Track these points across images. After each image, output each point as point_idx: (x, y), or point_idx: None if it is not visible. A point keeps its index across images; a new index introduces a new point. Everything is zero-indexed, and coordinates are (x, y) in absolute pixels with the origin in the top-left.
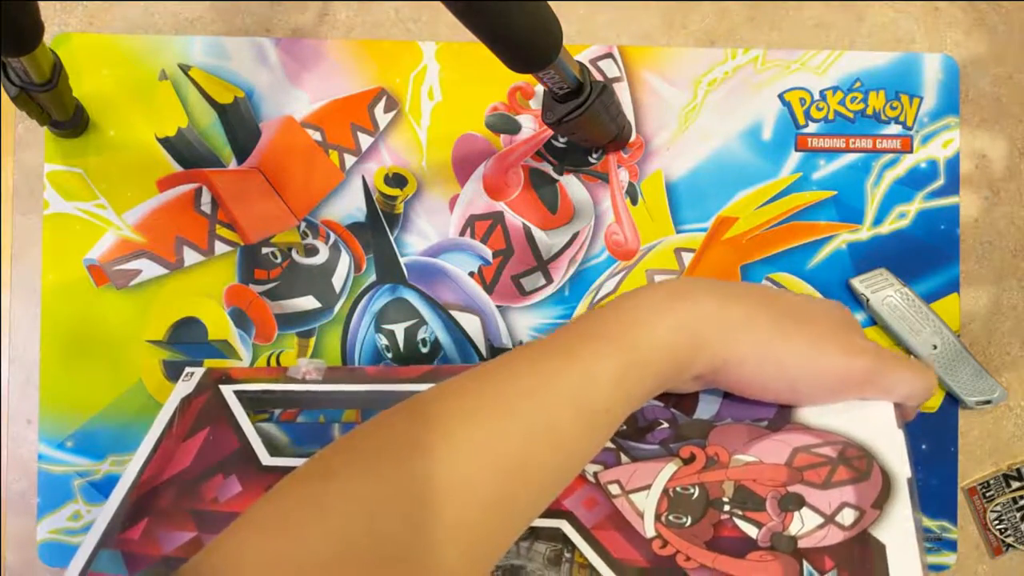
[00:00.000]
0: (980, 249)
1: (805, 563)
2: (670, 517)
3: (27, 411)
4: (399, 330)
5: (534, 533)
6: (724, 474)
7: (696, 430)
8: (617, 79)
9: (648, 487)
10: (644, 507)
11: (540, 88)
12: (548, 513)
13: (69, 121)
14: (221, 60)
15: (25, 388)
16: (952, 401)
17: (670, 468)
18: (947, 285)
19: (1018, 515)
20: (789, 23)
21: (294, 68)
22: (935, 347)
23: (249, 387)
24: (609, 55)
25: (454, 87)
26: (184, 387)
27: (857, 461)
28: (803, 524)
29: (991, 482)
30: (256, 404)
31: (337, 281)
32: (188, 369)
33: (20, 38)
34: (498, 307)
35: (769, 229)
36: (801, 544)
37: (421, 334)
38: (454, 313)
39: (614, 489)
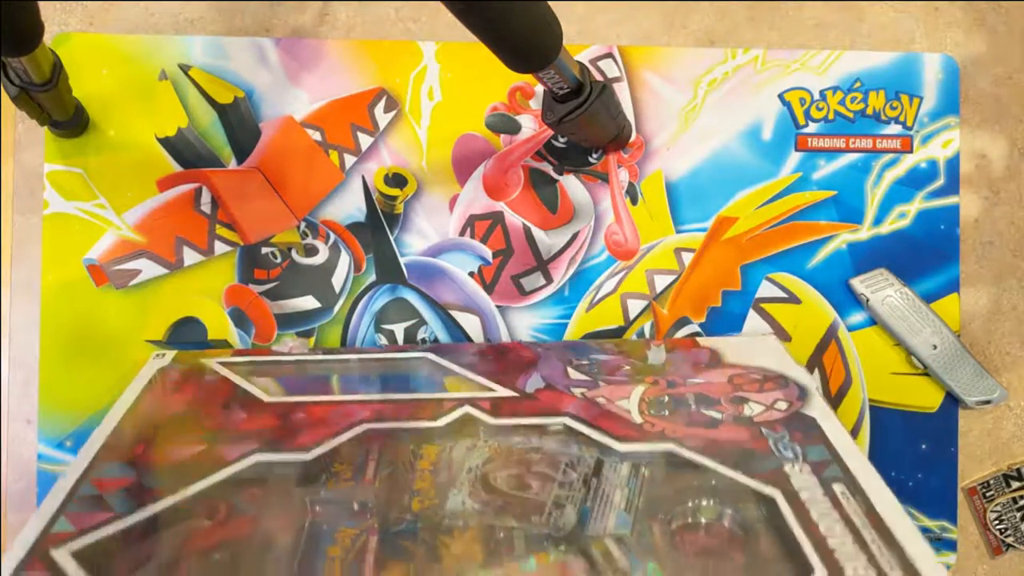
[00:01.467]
0: (980, 249)
1: (763, 428)
2: (651, 412)
3: (27, 411)
4: (399, 330)
5: (539, 429)
6: (684, 390)
7: (652, 370)
8: (617, 79)
9: (627, 397)
10: (628, 407)
11: (540, 88)
12: (549, 414)
13: (69, 121)
14: (221, 60)
15: (25, 388)
16: (952, 401)
17: (640, 388)
18: (947, 285)
19: (1018, 515)
20: (789, 23)
21: (294, 68)
22: (935, 347)
23: (234, 359)
24: (609, 55)
25: (454, 87)
26: (158, 362)
27: (775, 379)
28: (752, 409)
29: (991, 482)
30: (243, 371)
31: (337, 281)
32: (158, 352)
33: (20, 38)
34: (498, 307)
35: (769, 229)
36: (756, 420)
37: (421, 334)
38: (454, 313)
39: (600, 400)
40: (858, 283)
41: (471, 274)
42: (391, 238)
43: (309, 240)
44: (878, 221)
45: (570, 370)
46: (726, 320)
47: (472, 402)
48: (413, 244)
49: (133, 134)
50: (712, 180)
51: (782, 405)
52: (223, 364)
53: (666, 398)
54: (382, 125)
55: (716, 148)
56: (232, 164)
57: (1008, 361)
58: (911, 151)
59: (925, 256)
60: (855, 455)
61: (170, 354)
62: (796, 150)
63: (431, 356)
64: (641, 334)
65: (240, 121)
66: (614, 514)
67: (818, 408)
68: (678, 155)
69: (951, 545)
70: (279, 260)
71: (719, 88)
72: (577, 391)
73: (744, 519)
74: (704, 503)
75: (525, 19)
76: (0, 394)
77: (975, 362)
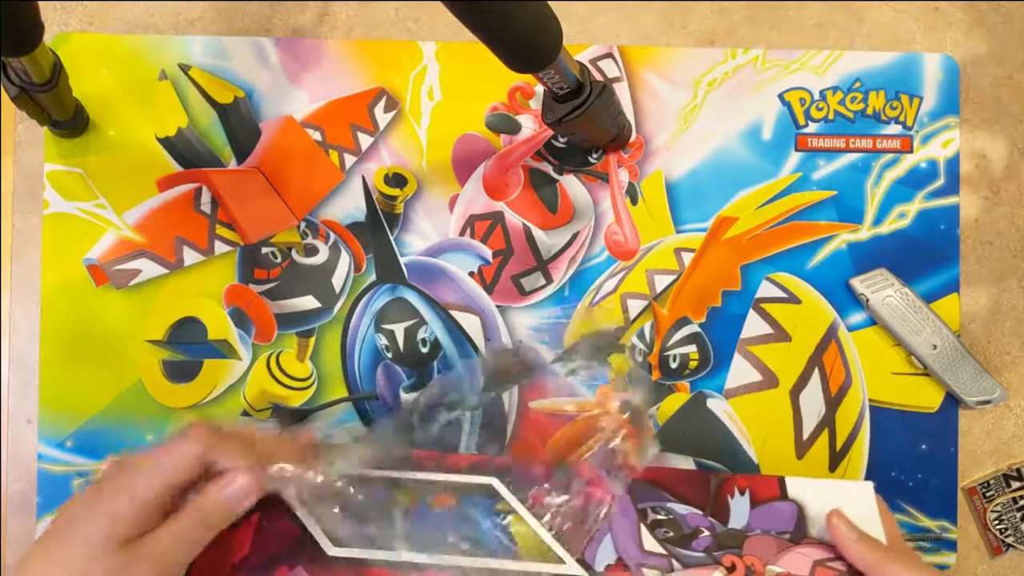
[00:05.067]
0: (980, 249)
1: None
2: None
3: (27, 411)
4: (399, 330)
5: None
6: None
7: (733, 539)
8: (617, 79)
9: None
10: None
11: (540, 88)
12: None
13: (69, 121)
14: (221, 60)
15: (25, 388)
16: (952, 401)
17: (717, 575)
18: (947, 285)
19: (1018, 515)
20: (789, 23)
21: (294, 68)
22: (935, 347)
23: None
24: (609, 55)
25: (454, 87)
26: None
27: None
28: None
29: (991, 482)
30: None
31: (337, 281)
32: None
33: (20, 38)
34: (498, 307)
35: (769, 229)
36: None
37: (421, 334)
38: (454, 313)
39: None
40: (858, 283)
41: (471, 274)
42: (391, 238)
43: (309, 240)
44: (878, 221)
45: (644, 532)
46: (726, 320)
47: None
48: (413, 244)
49: (133, 134)
50: (712, 180)
51: None
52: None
53: None
54: (382, 125)
55: (716, 148)
56: (232, 164)
57: (1008, 361)
58: (911, 151)
59: (925, 256)
60: None
61: None
62: (796, 150)
63: (495, 484)
64: (641, 334)
65: (240, 121)
66: None
67: None
68: (678, 155)
69: (951, 545)
70: (279, 260)
71: (719, 88)
72: (650, 573)
73: None
74: None
75: (525, 19)
76: (0, 394)
77: (975, 362)
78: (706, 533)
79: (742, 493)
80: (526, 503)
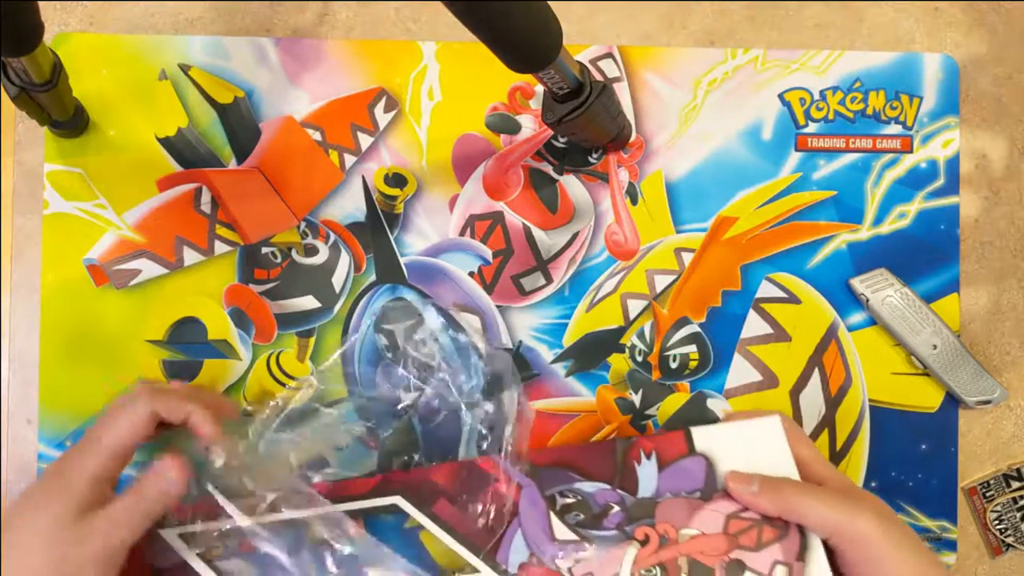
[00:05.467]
0: (980, 249)
1: None
2: None
3: (27, 411)
4: (399, 330)
5: None
6: (676, 550)
7: (643, 509)
8: (617, 79)
9: (617, 574)
10: None
11: (540, 88)
12: None
13: (69, 121)
14: (221, 60)
15: (25, 388)
16: (952, 401)
17: (631, 552)
18: (947, 285)
19: (1018, 515)
20: (789, 23)
21: (294, 68)
22: (935, 347)
23: (192, 529)
24: (609, 55)
25: (454, 87)
26: None
27: (774, 526)
28: None
29: (991, 482)
30: (205, 544)
31: (337, 281)
32: None
33: (20, 38)
34: (498, 307)
35: (769, 229)
36: None
37: (420, 334)
38: (454, 313)
39: None
40: (858, 283)
41: (471, 274)
42: (391, 238)
43: (309, 240)
44: (878, 221)
45: (554, 520)
46: (726, 320)
47: None
48: (413, 244)
49: (133, 134)
50: (712, 180)
51: (781, 573)
52: (183, 538)
53: (657, 571)
54: (382, 125)
55: (716, 148)
56: (232, 164)
57: (1008, 361)
58: (911, 151)
59: (925, 256)
60: None
61: None
62: (796, 150)
63: (400, 503)
64: (641, 334)
65: (240, 121)
66: None
67: (818, 570)
68: (678, 155)
69: (951, 545)
70: (279, 260)
71: (719, 88)
72: (564, 564)
73: None
74: None
75: (525, 19)
76: (0, 394)
77: (975, 362)
78: (616, 509)
79: (648, 457)
80: (432, 517)
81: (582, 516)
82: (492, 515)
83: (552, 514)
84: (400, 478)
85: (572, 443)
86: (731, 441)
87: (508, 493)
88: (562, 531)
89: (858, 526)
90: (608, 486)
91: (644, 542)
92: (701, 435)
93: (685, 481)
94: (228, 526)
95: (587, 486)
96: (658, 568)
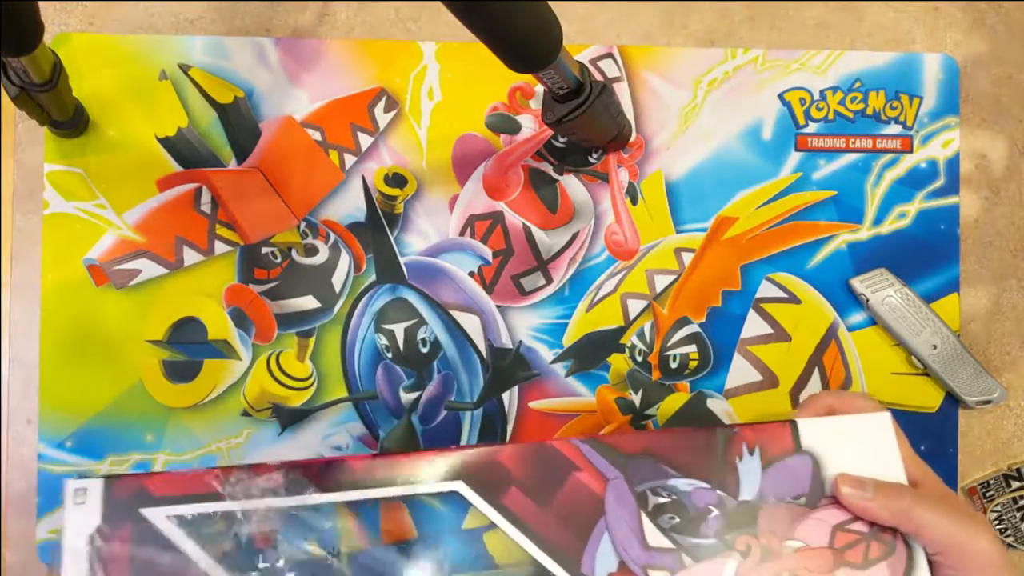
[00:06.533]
0: (980, 249)
1: None
2: None
3: (27, 411)
4: (399, 330)
5: None
6: (780, 565)
7: (745, 515)
8: (617, 79)
9: None
10: None
11: (540, 88)
12: None
13: (69, 121)
14: (221, 60)
15: (25, 388)
16: (952, 401)
17: (731, 566)
18: (947, 285)
19: (1018, 515)
20: (789, 23)
21: (294, 68)
22: (935, 347)
23: (184, 509)
24: (609, 55)
25: (454, 87)
26: (82, 515)
27: (883, 533)
28: None
29: (991, 482)
30: (205, 529)
31: (337, 281)
32: (72, 483)
33: (20, 38)
34: (498, 307)
35: (769, 229)
36: None
37: (421, 334)
38: (454, 313)
39: None
40: (858, 283)
41: (471, 274)
42: (391, 238)
43: (309, 240)
44: (878, 221)
45: (646, 523)
46: (726, 320)
47: None
48: (413, 244)
49: (133, 134)
50: (712, 180)
51: None
52: (176, 522)
53: None
54: (382, 125)
55: (716, 148)
56: (232, 164)
57: (1008, 361)
58: (911, 151)
59: (925, 256)
60: None
61: (92, 489)
62: (796, 150)
63: (462, 490)
64: (641, 334)
65: (240, 121)
66: None
67: None
68: (678, 155)
69: None
70: (279, 260)
71: (719, 88)
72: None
73: None
74: None
75: (525, 19)
76: (0, 394)
77: (975, 362)
78: (716, 512)
79: (752, 452)
80: (503, 510)
81: (677, 519)
82: (579, 512)
83: (644, 515)
84: (458, 456)
85: (664, 431)
86: (838, 439)
87: (592, 485)
88: (656, 537)
89: (979, 546)
90: (707, 484)
91: (746, 554)
92: (808, 430)
93: (790, 483)
94: (225, 508)
95: (682, 483)
96: None
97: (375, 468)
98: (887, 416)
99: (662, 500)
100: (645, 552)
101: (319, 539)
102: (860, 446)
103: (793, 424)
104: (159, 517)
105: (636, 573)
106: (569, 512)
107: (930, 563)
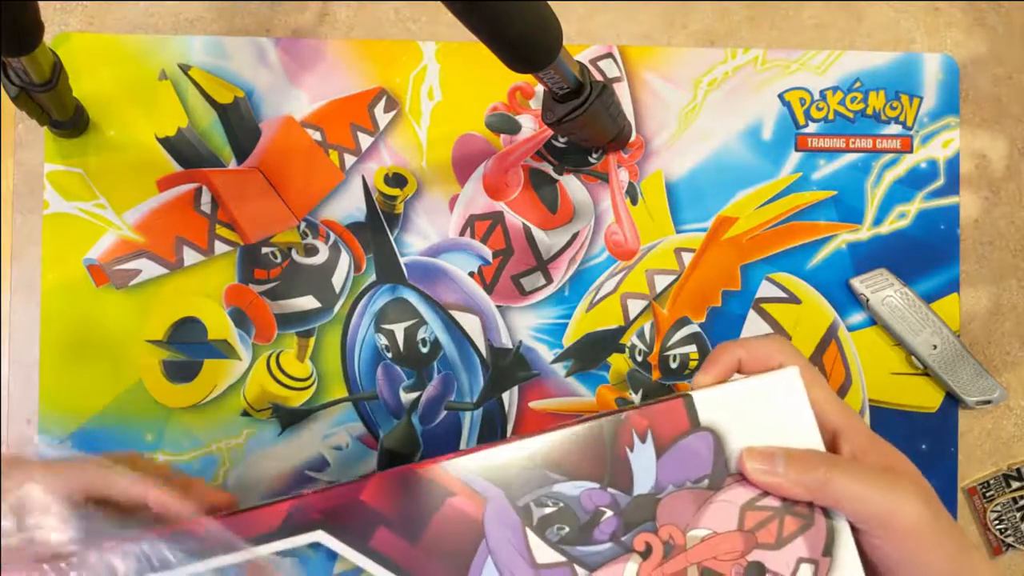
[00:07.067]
0: (980, 249)
1: None
2: None
3: (27, 411)
4: (399, 330)
5: None
6: (685, 559)
7: (642, 510)
8: (617, 79)
9: None
10: None
11: (540, 88)
12: None
13: (69, 121)
14: (221, 60)
15: (25, 388)
16: (952, 401)
17: (631, 569)
18: (947, 285)
19: (1018, 515)
20: (789, 23)
21: (294, 68)
22: (935, 347)
23: None
24: (609, 55)
25: (454, 87)
26: None
27: (797, 505)
28: None
29: (991, 482)
30: None
31: (337, 281)
32: None
33: (20, 38)
34: (498, 307)
35: (769, 229)
36: None
37: (421, 334)
38: (454, 313)
39: None
40: (858, 283)
41: (471, 274)
42: (391, 238)
43: (309, 240)
44: (878, 221)
45: (532, 538)
46: (726, 320)
47: None
48: (413, 244)
49: (133, 134)
50: (712, 180)
51: (807, 573)
52: None
53: None
54: (382, 125)
55: (716, 148)
56: (232, 164)
57: (1008, 361)
58: (911, 151)
59: (925, 256)
60: None
61: None
62: (796, 150)
63: (323, 540)
64: (641, 334)
65: (240, 121)
66: None
67: (848, 567)
68: (678, 155)
69: None
70: (279, 260)
71: (719, 88)
72: None
73: None
74: None
75: (525, 19)
76: (0, 394)
77: (975, 362)
78: (609, 514)
79: (643, 439)
80: (373, 554)
81: (567, 529)
82: (453, 542)
83: (529, 531)
84: (318, 502)
85: (548, 429)
86: (740, 408)
87: (468, 509)
88: (544, 553)
89: (905, 513)
90: (596, 484)
91: (646, 554)
92: (705, 403)
93: (690, 466)
94: None
95: (569, 487)
96: None
97: (229, 528)
98: (794, 371)
99: (548, 510)
100: (533, 571)
101: None
102: (767, 412)
103: (687, 399)
104: None
105: None
106: (446, 543)
107: (855, 530)
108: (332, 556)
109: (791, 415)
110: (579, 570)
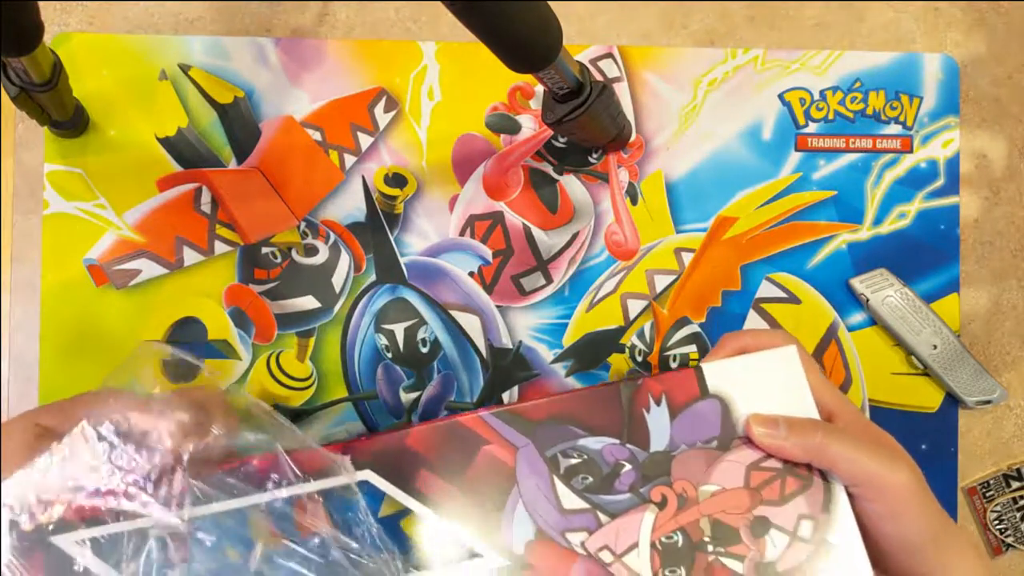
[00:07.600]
0: (980, 249)
1: None
2: (666, 572)
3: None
4: (399, 330)
5: None
6: (697, 511)
7: (658, 466)
8: (617, 79)
9: (636, 545)
10: (639, 568)
11: (540, 88)
12: None
13: (69, 121)
14: (221, 60)
15: (25, 388)
16: (952, 401)
17: (649, 518)
18: (947, 285)
19: (1018, 515)
20: (789, 23)
21: (294, 68)
22: (935, 347)
23: (96, 532)
24: (609, 55)
25: (454, 87)
26: None
27: (798, 467)
28: (775, 546)
29: (991, 482)
30: (117, 551)
31: (337, 281)
32: None
33: (20, 38)
34: (498, 307)
35: (769, 229)
36: (779, 568)
37: (421, 334)
38: (454, 313)
39: (606, 556)
40: (858, 283)
41: (471, 274)
42: (391, 238)
43: (309, 240)
44: (878, 221)
45: (559, 487)
46: (726, 320)
47: None
48: (413, 244)
49: (133, 134)
50: (712, 180)
51: (806, 529)
52: (90, 545)
53: (679, 538)
54: (382, 125)
55: (716, 148)
56: (232, 164)
57: (1008, 361)
58: (911, 151)
59: (925, 256)
60: None
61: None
62: (796, 150)
63: (372, 479)
64: (641, 334)
65: (240, 121)
66: None
67: (844, 529)
68: (678, 155)
69: None
70: (279, 260)
71: (719, 88)
72: (576, 538)
73: None
74: None
75: (525, 19)
76: (0, 394)
77: (975, 362)
78: (628, 467)
79: (658, 402)
80: (417, 494)
81: (591, 479)
82: (489, 486)
83: (556, 479)
84: (367, 445)
85: (569, 392)
86: (745, 378)
87: (501, 456)
88: (570, 500)
89: (896, 478)
90: (616, 440)
91: (662, 505)
92: (713, 373)
93: (700, 429)
94: (140, 525)
95: (592, 442)
96: (679, 533)
97: (282, 466)
98: (792, 350)
99: (573, 461)
100: (561, 516)
101: (234, 542)
102: (768, 383)
103: (698, 369)
104: (69, 543)
105: (554, 538)
106: (482, 486)
107: (849, 495)
108: (378, 496)
109: (790, 387)
110: (601, 516)
